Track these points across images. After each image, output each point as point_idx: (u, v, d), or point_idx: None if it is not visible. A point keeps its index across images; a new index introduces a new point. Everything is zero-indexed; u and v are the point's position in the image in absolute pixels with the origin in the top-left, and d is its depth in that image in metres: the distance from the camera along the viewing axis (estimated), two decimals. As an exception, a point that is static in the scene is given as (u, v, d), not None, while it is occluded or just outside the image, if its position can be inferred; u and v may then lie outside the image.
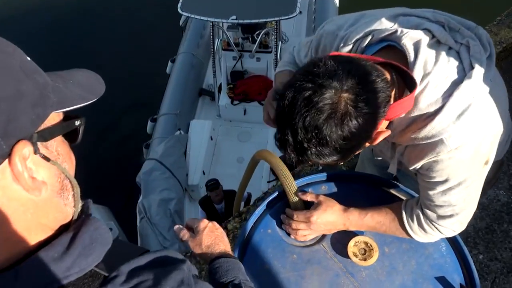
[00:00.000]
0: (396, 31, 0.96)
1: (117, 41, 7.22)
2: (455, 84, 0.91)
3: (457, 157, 0.95)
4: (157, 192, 4.73)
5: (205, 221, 1.06)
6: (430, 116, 0.93)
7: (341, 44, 1.05)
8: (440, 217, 1.10)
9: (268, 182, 4.91)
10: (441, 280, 1.21)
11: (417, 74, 0.92)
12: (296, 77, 0.85)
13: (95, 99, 0.60)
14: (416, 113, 0.95)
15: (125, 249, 0.61)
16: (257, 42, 5.36)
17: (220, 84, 5.68)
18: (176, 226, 1.09)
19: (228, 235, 2.04)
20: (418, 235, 1.17)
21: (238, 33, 5.51)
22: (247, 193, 4.24)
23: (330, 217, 1.23)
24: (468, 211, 1.10)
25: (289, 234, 1.29)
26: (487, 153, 0.98)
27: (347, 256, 1.23)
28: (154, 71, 6.40)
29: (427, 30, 0.97)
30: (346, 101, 0.82)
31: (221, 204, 4.24)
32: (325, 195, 1.29)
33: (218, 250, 1.00)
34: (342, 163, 1.10)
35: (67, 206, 0.57)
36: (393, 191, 1.37)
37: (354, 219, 1.23)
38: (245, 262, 1.26)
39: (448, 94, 0.91)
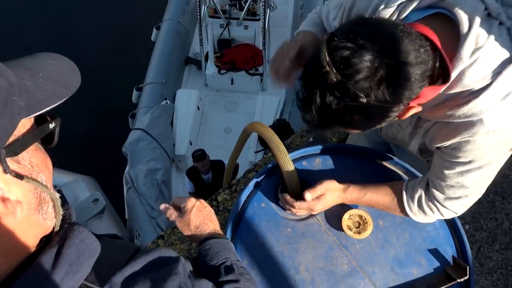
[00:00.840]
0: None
1: (100, 7, 6.97)
2: (506, 63, 0.85)
3: (492, 139, 0.92)
4: (144, 162, 4.70)
5: (193, 199, 1.01)
6: (473, 93, 0.88)
7: (382, 6, 0.97)
8: (448, 198, 1.08)
9: (256, 152, 4.91)
10: (434, 252, 1.22)
11: (468, 47, 0.86)
12: (335, 33, 0.79)
13: (70, 95, 0.51)
14: (458, 89, 0.89)
15: (114, 252, 0.57)
16: (245, 9, 5.24)
17: (207, 53, 5.58)
18: (163, 206, 1.03)
19: (218, 206, 2.04)
20: (417, 216, 1.17)
21: (225, 0, 5.37)
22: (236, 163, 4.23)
23: (330, 198, 1.22)
24: (477, 194, 1.08)
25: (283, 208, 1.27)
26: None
27: (341, 229, 1.23)
28: (138, 38, 6.22)
29: (480, 1, 0.89)
30: (386, 68, 0.77)
31: (208, 174, 4.23)
32: (319, 169, 1.28)
33: (207, 231, 0.96)
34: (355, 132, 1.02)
35: (46, 220, 0.52)
36: (387, 164, 1.36)
37: (353, 198, 1.22)
38: (238, 235, 1.25)
39: (497, 72, 0.86)
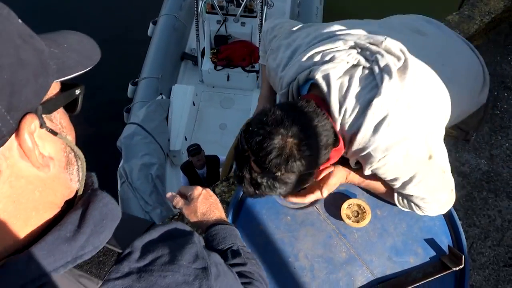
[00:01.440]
0: (312, 69, 1.09)
1: (97, 0, 6.94)
2: (368, 104, 1.00)
3: (390, 162, 1.05)
4: (138, 157, 4.69)
5: (199, 188, 1.04)
6: (353, 136, 1.04)
7: (279, 88, 1.21)
8: (415, 204, 1.17)
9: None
10: (430, 242, 1.25)
11: (334, 102, 1.04)
12: (252, 124, 1.01)
13: (93, 65, 0.54)
14: (346, 135, 1.07)
15: (132, 223, 0.59)
16: (242, 5, 5.24)
17: (203, 49, 5.56)
18: (169, 194, 1.07)
19: (215, 198, 2.05)
20: (407, 209, 1.23)
21: (222, -4, 5.37)
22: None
23: (334, 180, 1.23)
24: (437, 200, 1.15)
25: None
26: (424, 150, 1.05)
27: (340, 218, 1.25)
28: (135, 32, 6.20)
29: (339, 60, 1.07)
30: (292, 145, 0.96)
31: (203, 169, 4.23)
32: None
33: (213, 217, 0.99)
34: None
35: (72, 182, 0.54)
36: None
37: (354, 182, 1.26)
38: (239, 223, 1.27)
39: (363, 115, 1.01)
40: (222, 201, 2.05)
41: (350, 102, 1.02)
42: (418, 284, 1.17)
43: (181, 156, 5.04)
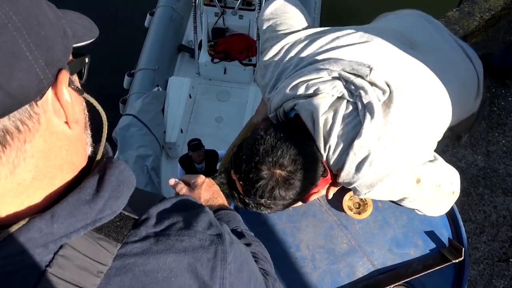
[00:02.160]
0: (297, 103, 1.10)
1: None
2: (350, 143, 1.02)
3: (377, 194, 1.08)
4: (134, 148, 4.67)
5: (202, 176, 1.06)
6: (338, 171, 1.07)
7: (268, 112, 1.23)
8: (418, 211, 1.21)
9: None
10: (430, 234, 1.26)
11: (319, 139, 1.05)
12: (242, 148, 1.03)
13: (95, 38, 0.57)
14: (332, 169, 1.10)
15: (145, 195, 0.60)
16: (240, -2, 5.22)
17: (201, 41, 5.53)
18: (172, 180, 1.08)
19: (214, 190, 2.05)
20: None
21: (221, -12, 5.34)
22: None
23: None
24: (437, 205, 1.17)
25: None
26: (411, 178, 1.06)
27: (341, 210, 1.25)
28: (132, 23, 6.15)
29: (324, 93, 1.06)
30: (278, 177, 0.99)
31: (202, 164, 4.23)
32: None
33: (217, 204, 1.01)
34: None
35: (88, 145, 0.55)
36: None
37: None
38: (241, 212, 1.26)
39: (345, 154, 1.02)
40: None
41: (334, 139, 1.04)
42: (418, 275, 1.18)
43: (177, 148, 5.03)
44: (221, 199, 1.03)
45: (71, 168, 0.51)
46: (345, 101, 1.06)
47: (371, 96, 1.02)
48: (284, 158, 0.98)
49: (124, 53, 5.99)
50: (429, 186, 1.10)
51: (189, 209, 0.58)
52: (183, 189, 1.04)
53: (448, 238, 1.24)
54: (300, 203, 1.19)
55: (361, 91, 1.03)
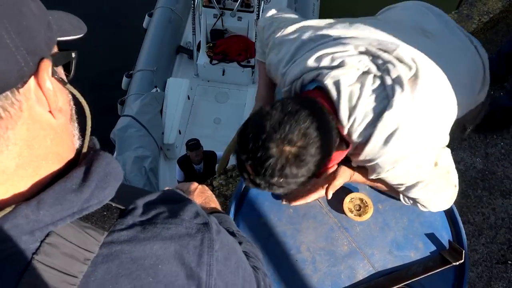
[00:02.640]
0: (320, 73, 1.05)
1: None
2: (379, 115, 0.98)
3: (397, 172, 1.04)
4: (132, 149, 4.66)
5: (195, 183, 1.08)
6: (361, 145, 1.02)
7: (282, 85, 1.17)
8: (420, 203, 1.18)
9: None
10: (431, 236, 1.26)
11: (343, 110, 1.00)
12: (248, 127, 0.97)
13: (82, 34, 0.59)
14: (353, 143, 1.05)
15: (131, 189, 0.61)
16: (239, 0, 5.22)
17: (199, 42, 5.53)
18: (167, 189, 1.08)
19: (213, 191, 2.05)
20: (410, 205, 1.23)
21: (219, -10, 5.34)
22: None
23: (339, 181, 1.24)
24: (443, 195, 1.16)
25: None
26: (431, 159, 1.05)
27: (342, 212, 1.25)
28: (130, 24, 6.14)
29: (350, 66, 1.03)
30: (288, 154, 0.92)
31: (200, 165, 4.22)
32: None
33: (209, 207, 1.02)
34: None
35: (75, 137, 0.56)
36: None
37: (358, 181, 1.27)
38: (241, 215, 1.27)
39: (373, 126, 0.99)
40: (220, 194, 2.05)
41: (360, 111, 1.00)
42: (418, 278, 1.18)
43: (175, 149, 5.02)
44: (214, 204, 1.04)
45: (57, 158, 0.52)
46: (372, 75, 1.03)
47: (400, 70, 1.01)
48: (293, 133, 0.91)
49: (123, 54, 5.98)
50: (442, 170, 1.09)
51: (176, 201, 0.59)
52: None
53: (449, 240, 1.24)
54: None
55: (389, 65, 1.02)
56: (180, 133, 5.11)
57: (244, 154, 0.95)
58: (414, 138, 1.00)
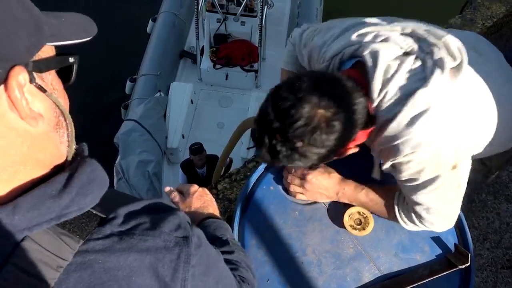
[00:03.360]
0: (362, 46, 1.02)
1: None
2: (412, 92, 0.94)
3: (415, 159, 0.99)
4: (135, 154, 4.68)
5: (196, 186, 1.08)
6: (387, 122, 0.98)
7: (320, 61, 1.13)
8: (417, 213, 1.13)
9: (248, 148, 4.91)
10: (436, 239, 1.25)
11: (377, 81, 0.97)
12: (282, 87, 0.93)
13: (88, 38, 0.59)
14: (379, 120, 1.00)
15: (119, 196, 0.61)
16: (243, 5, 5.24)
17: (203, 47, 5.56)
18: (167, 188, 1.10)
19: (217, 194, 2.05)
20: (407, 224, 1.19)
21: (223, -6, 5.37)
22: (229, 158, 4.24)
23: (326, 182, 1.24)
24: (443, 213, 1.11)
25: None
26: (451, 158, 1.00)
27: (344, 228, 1.23)
28: (134, 29, 6.18)
29: (393, 43, 1.00)
30: (320, 117, 0.89)
31: (203, 169, 4.23)
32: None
33: (206, 212, 1.02)
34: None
35: (62, 145, 0.56)
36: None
37: (348, 191, 1.24)
38: (247, 216, 1.27)
39: (403, 102, 0.95)
40: (224, 198, 2.05)
41: (393, 86, 0.96)
42: (424, 281, 1.17)
43: (178, 154, 5.03)
44: (212, 208, 1.04)
45: (38, 164, 0.52)
46: (413, 56, 0.99)
47: (444, 54, 0.96)
48: (329, 98, 0.89)
49: (127, 59, 6.01)
50: (456, 180, 1.05)
51: (159, 212, 0.59)
52: (176, 197, 1.07)
53: (454, 243, 1.24)
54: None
55: (434, 48, 0.98)
56: (183, 137, 5.12)
57: (275, 111, 0.91)
58: (443, 125, 0.96)
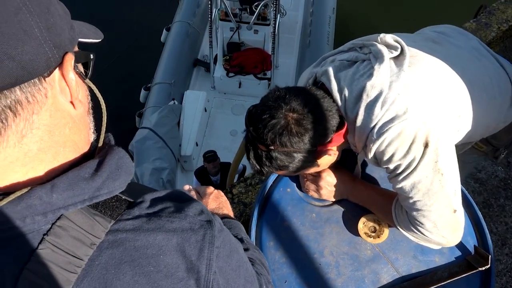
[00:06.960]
0: (317, 71, 1.16)
1: (112, 6, 7.03)
2: (364, 87, 1.03)
3: (385, 142, 1.01)
4: (150, 161, 4.71)
5: (211, 188, 1.10)
6: (354, 119, 1.05)
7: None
8: (411, 217, 1.10)
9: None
10: (455, 241, 1.24)
11: (335, 90, 1.08)
12: (258, 104, 1.06)
13: (101, 39, 0.64)
14: (349, 120, 1.08)
15: (142, 186, 0.64)
16: (256, 13, 5.29)
17: (216, 55, 5.61)
18: (187, 187, 1.13)
19: (232, 199, 2.06)
20: (405, 231, 1.16)
21: (236, 4, 5.42)
22: (242, 165, 4.25)
23: (337, 181, 1.25)
24: (436, 210, 1.05)
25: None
26: (421, 132, 0.99)
27: (358, 235, 1.23)
28: (148, 38, 6.27)
29: (339, 61, 1.14)
30: (290, 120, 1.00)
31: (217, 176, 4.24)
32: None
33: (221, 213, 1.04)
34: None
35: (91, 130, 0.60)
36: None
37: (357, 192, 1.25)
38: (264, 218, 1.27)
39: (360, 98, 1.03)
40: (240, 202, 2.06)
41: (348, 87, 1.06)
42: (443, 283, 1.16)
43: (192, 161, 5.06)
44: (227, 210, 1.07)
45: (74, 147, 0.55)
46: (359, 62, 1.10)
47: (382, 48, 1.06)
48: (297, 102, 1.01)
49: (141, 68, 6.09)
50: (432, 161, 1.01)
51: (182, 200, 0.62)
52: (194, 195, 1.09)
53: (474, 245, 1.23)
54: (317, 168, 1.16)
55: (373, 48, 1.08)
56: (197, 145, 5.15)
57: (251, 125, 1.03)
58: (401, 103, 0.99)
